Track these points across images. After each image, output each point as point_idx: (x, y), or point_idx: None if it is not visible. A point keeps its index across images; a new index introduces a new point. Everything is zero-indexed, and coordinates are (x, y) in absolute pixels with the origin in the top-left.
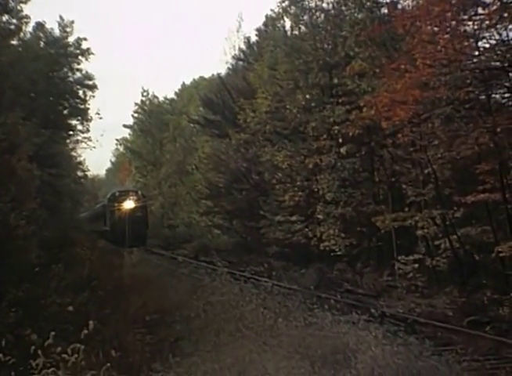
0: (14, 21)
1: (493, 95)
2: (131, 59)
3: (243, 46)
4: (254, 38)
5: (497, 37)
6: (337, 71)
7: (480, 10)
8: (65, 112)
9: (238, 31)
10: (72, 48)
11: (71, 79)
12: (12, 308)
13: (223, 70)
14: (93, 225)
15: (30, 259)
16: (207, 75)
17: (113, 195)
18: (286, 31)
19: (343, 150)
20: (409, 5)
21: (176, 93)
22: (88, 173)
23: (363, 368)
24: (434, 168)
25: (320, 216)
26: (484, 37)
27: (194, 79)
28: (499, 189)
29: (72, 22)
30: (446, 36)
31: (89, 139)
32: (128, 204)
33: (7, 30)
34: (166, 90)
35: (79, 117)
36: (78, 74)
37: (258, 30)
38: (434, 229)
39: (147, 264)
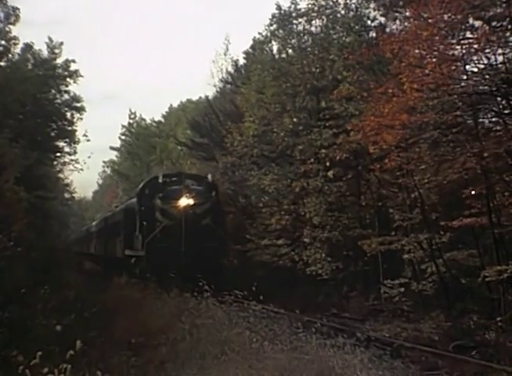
0: (2, 42)
1: (481, 120)
2: (119, 82)
3: (230, 69)
4: (241, 61)
5: (485, 61)
6: (324, 95)
7: (468, 34)
8: (52, 134)
9: (225, 54)
10: (60, 70)
11: (59, 101)
12: None
13: (210, 93)
14: (99, 249)
15: (16, 281)
16: (194, 98)
17: (152, 184)
18: (273, 55)
19: (330, 173)
20: (397, 29)
21: (163, 116)
22: (75, 195)
23: None
24: (421, 193)
25: (307, 240)
26: (472, 62)
27: (181, 102)
28: (485, 213)
29: (61, 43)
30: (434, 60)
31: (76, 161)
32: (186, 202)
33: None
34: (153, 112)
35: (66, 139)
36: (66, 96)
37: (246, 53)
38: (421, 253)
39: (133, 286)
